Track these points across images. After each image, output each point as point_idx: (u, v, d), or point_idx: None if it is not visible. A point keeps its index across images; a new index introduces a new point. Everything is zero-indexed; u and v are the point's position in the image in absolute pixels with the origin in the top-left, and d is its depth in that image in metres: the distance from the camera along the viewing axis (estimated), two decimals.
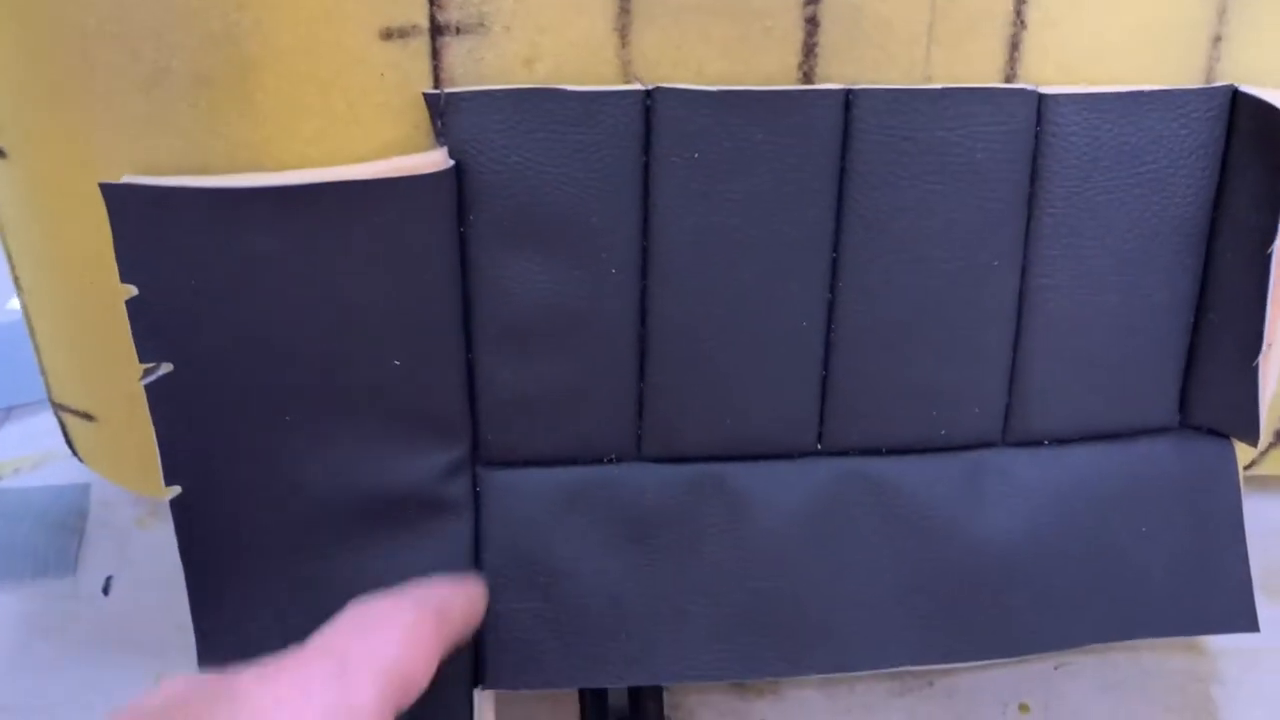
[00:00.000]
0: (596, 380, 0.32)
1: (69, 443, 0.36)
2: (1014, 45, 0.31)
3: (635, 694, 0.37)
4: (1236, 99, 0.31)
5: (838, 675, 0.37)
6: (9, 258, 0.35)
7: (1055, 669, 0.38)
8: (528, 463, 0.33)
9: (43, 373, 0.36)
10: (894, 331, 0.32)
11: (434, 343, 0.31)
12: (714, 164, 0.30)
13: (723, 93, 0.29)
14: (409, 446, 0.32)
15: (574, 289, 0.31)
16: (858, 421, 0.34)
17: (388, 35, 0.29)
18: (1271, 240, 0.31)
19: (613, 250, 0.31)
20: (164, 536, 0.32)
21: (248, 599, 0.32)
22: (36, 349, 0.35)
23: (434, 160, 0.29)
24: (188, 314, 0.29)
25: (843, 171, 0.30)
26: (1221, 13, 0.31)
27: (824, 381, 0.33)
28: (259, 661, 0.25)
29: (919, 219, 0.31)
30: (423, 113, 0.29)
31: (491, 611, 0.33)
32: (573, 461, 0.33)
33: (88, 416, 0.35)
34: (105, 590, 0.40)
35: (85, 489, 0.43)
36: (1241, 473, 0.36)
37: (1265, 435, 0.36)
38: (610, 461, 0.33)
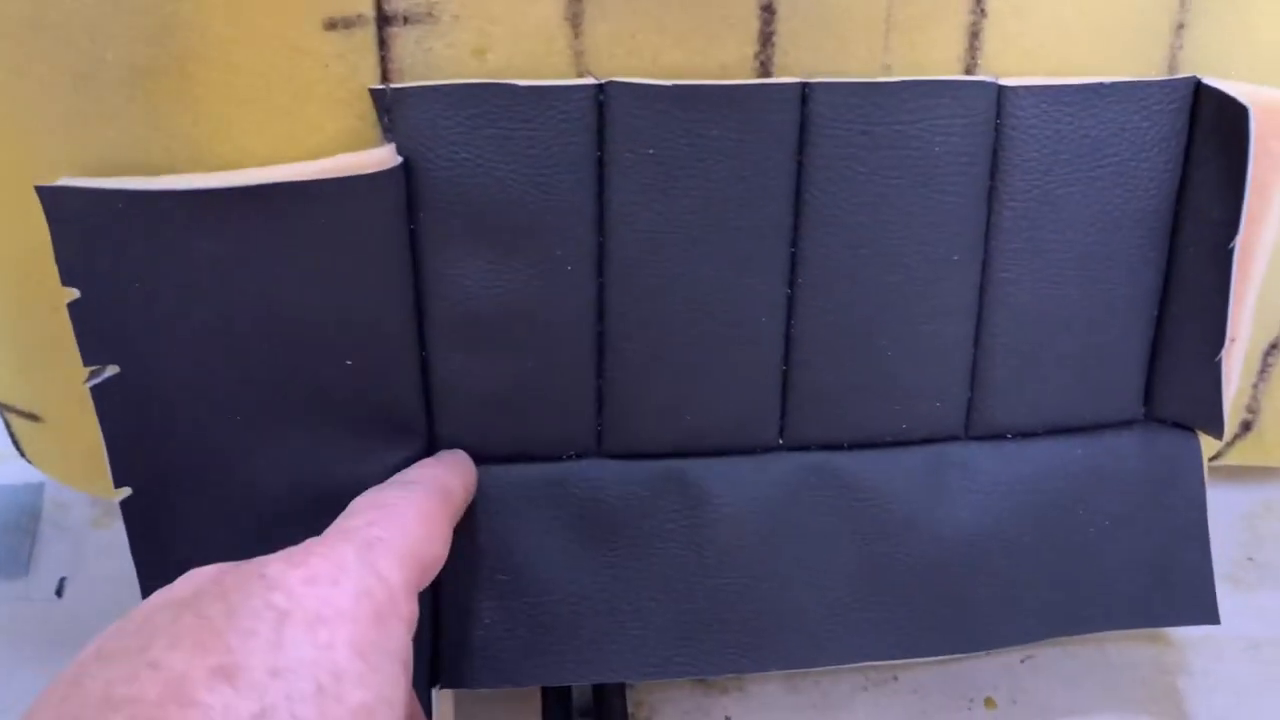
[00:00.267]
0: (554, 377, 0.32)
1: (16, 444, 0.36)
2: (974, 33, 0.30)
3: (598, 691, 0.36)
4: (1199, 91, 0.31)
5: (801, 670, 0.37)
6: None
7: (1021, 662, 0.38)
8: (485, 460, 0.33)
9: None
10: (854, 326, 0.32)
11: (386, 342, 0.30)
12: (669, 159, 0.29)
13: (677, 87, 0.29)
14: (363, 446, 0.31)
15: (528, 286, 0.30)
16: (819, 416, 0.33)
17: (332, 25, 0.28)
18: (1234, 234, 0.31)
19: (567, 247, 0.30)
20: (120, 536, 0.31)
21: None
22: None
23: (382, 157, 0.28)
24: (132, 316, 0.29)
25: (800, 166, 0.30)
26: (1183, 0, 0.30)
27: (784, 376, 0.33)
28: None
29: (878, 213, 0.30)
30: (370, 106, 0.29)
31: (449, 610, 0.33)
32: (531, 458, 0.33)
33: (34, 417, 0.34)
34: (59, 592, 0.40)
35: (38, 489, 0.42)
36: (1207, 463, 0.36)
37: (1230, 427, 0.36)
38: (570, 458, 0.33)
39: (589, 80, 0.29)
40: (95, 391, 0.29)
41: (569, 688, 0.36)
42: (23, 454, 0.36)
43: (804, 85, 0.29)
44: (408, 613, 0.25)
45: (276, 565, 0.24)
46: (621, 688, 0.36)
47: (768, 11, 0.29)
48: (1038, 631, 0.35)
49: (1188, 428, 0.35)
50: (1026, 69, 0.30)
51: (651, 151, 0.29)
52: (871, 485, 0.34)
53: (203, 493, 0.31)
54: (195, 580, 0.25)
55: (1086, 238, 0.32)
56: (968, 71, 0.30)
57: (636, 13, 0.29)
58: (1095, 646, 0.38)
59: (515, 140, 0.29)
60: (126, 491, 0.31)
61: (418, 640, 0.32)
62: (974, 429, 0.34)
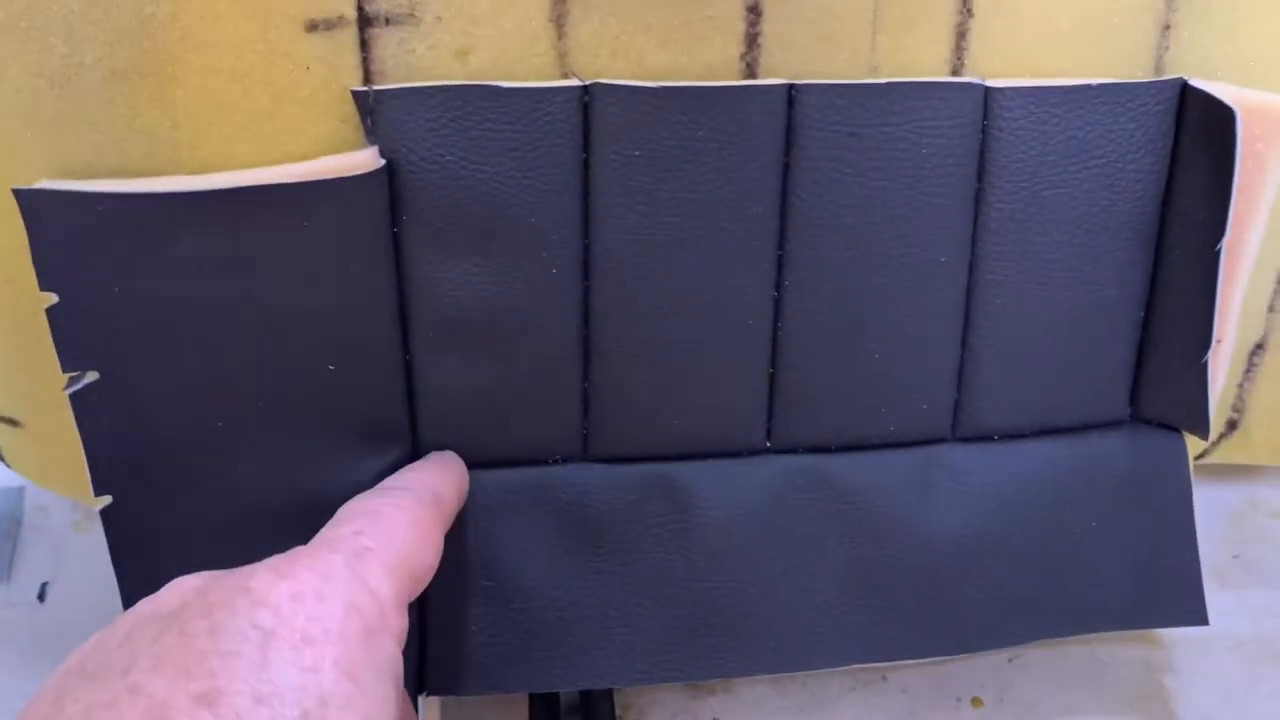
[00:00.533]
0: (539, 381, 0.31)
1: None
2: (961, 34, 0.30)
3: (586, 694, 0.36)
4: (1185, 93, 0.31)
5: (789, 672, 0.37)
6: None
7: (1008, 662, 0.38)
8: (470, 465, 0.32)
9: None
10: (842, 328, 0.32)
11: (369, 345, 0.30)
12: (655, 161, 0.29)
13: (663, 89, 0.28)
14: (347, 450, 0.31)
15: (513, 289, 0.30)
16: (806, 419, 0.33)
17: (313, 27, 0.28)
18: (1220, 236, 0.31)
19: (552, 250, 0.30)
20: (102, 541, 0.31)
21: None
22: None
23: (365, 160, 0.28)
24: (111, 321, 0.28)
25: (787, 167, 0.30)
26: (1170, 0, 0.30)
27: (772, 379, 0.32)
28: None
29: (865, 215, 0.30)
30: (351, 108, 0.28)
31: (435, 616, 0.32)
32: (517, 463, 0.33)
33: (13, 422, 0.34)
34: (41, 597, 0.39)
35: (19, 492, 0.42)
36: (1193, 462, 0.36)
37: (1216, 426, 0.36)
38: (556, 462, 0.33)
39: (573, 82, 0.29)
40: (74, 398, 0.29)
41: (556, 692, 0.36)
42: (2, 459, 0.35)
43: (790, 87, 0.29)
44: (397, 626, 0.25)
45: (263, 577, 0.23)
46: (609, 691, 0.36)
47: (754, 13, 0.29)
48: (1026, 633, 0.35)
49: (1174, 428, 0.35)
50: (1013, 70, 0.30)
51: (637, 153, 0.29)
52: (859, 487, 0.34)
53: (184, 500, 0.31)
54: (180, 591, 0.24)
55: (1073, 239, 0.32)
56: (954, 73, 0.30)
57: (621, 14, 0.28)
58: (1082, 645, 0.39)
59: (499, 142, 0.28)
60: (107, 499, 0.30)
61: (405, 647, 0.32)
62: (961, 430, 0.34)
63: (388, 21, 0.28)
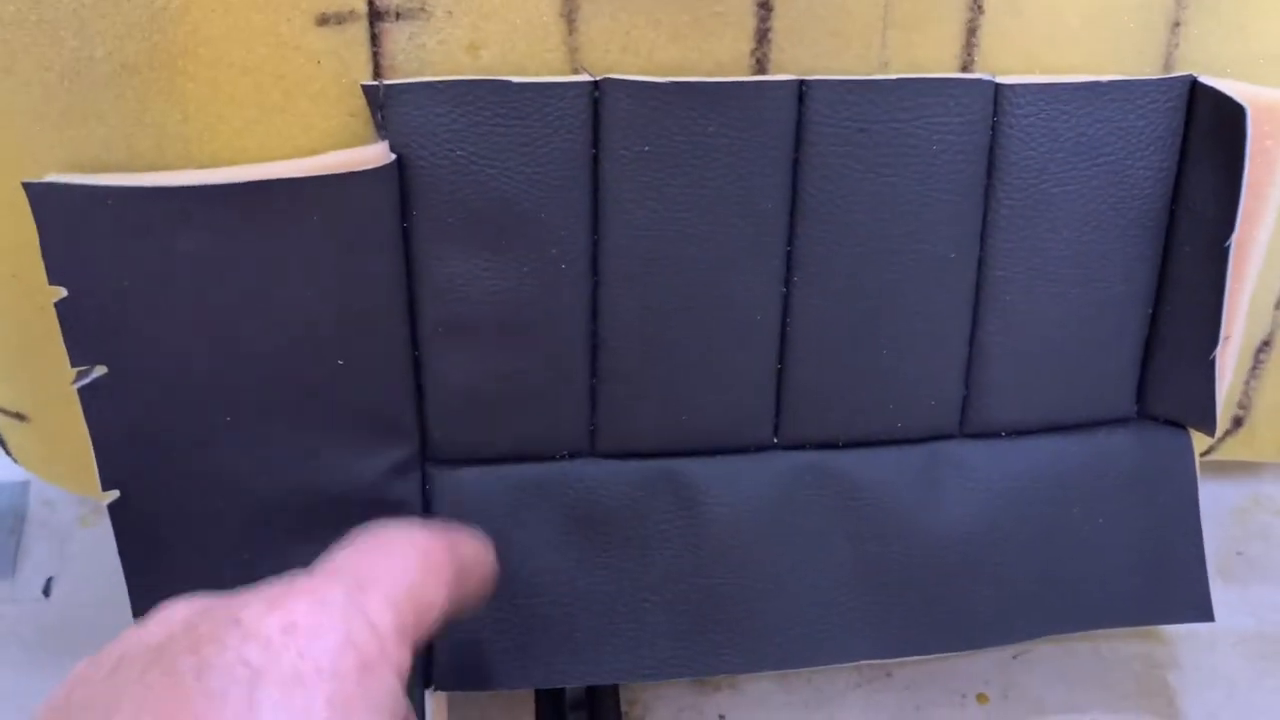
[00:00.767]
0: (547, 376, 0.31)
1: (2, 444, 0.35)
2: (971, 31, 0.30)
3: (591, 689, 0.36)
4: (1195, 90, 0.31)
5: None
6: None
7: (1013, 658, 0.38)
8: (478, 461, 0.32)
9: None
10: (850, 324, 0.32)
11: (378, 341, 0.30)
12: (665, 156, 0.29)
13: (673, 84, 0.28)
14: (355, 446, 0.31)
15: (522, 284, 0.30)
16: (814, 415, 0.33)
17: (324, 21, 0.28)
18: (1229, 233, 0.31)
19: (562, 245, 0.30)
20: (108, 535, 0.31)
21: None
22: None
23: (375, 155, 0.28)
24: (120, 315, 0.28)
25: (797, 163, 0.30)
26: None
27: (780, 375, 0.32)
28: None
29: (874, 211, 0.30)
30: (362, 102, 0.28)
31: None
32: (524, 458, 0.33)
33: (20, 417, 0.34)
34: (46, 592, 0.39)
35: (24, 487, 0.42)
36: (1198, 458, 0.36)
37: (1221, 423, 0.36)
38: (563, 458, 0.33)
39: (584, 77, 0.29)
40: (83, 392, 0.29)
41: (563, 687, 0.36)
42: (9, 454, 0.35)
43: (801, 83, 0.29)
44: (399, 659, 0.23)
45: (254, 609, 0.22)
46: (615, 687, 0.36)
47: (764, 8, 0.29)
48: (1032, 629, 0.35)
49: (1180, 425, 0.35)
50: (1023, 67, 0.30)
51: (647, 149, 0.29)
52: (866, 483, 0.34)
53: (192, 495, 0.31)
54: (169, 621, 0.23)
55: (1082, 236, 0.32)
56: (964, 69, 0.30)
57: (632, 9, 0.28)
58: (1087, 642, 0.39)
59: (510, 137, 0.28)
60: (115, 494, 0.30)
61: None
62: (968, 427, 0.34)
63: (398, 15, 0.28)
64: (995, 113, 0.30)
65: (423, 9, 0.28)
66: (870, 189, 0.30)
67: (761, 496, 0.33)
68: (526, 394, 0.32)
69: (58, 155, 0.28)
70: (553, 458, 0.33)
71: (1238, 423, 0.37)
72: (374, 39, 0.28)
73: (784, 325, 0.32)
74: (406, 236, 0.29)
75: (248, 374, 0.29)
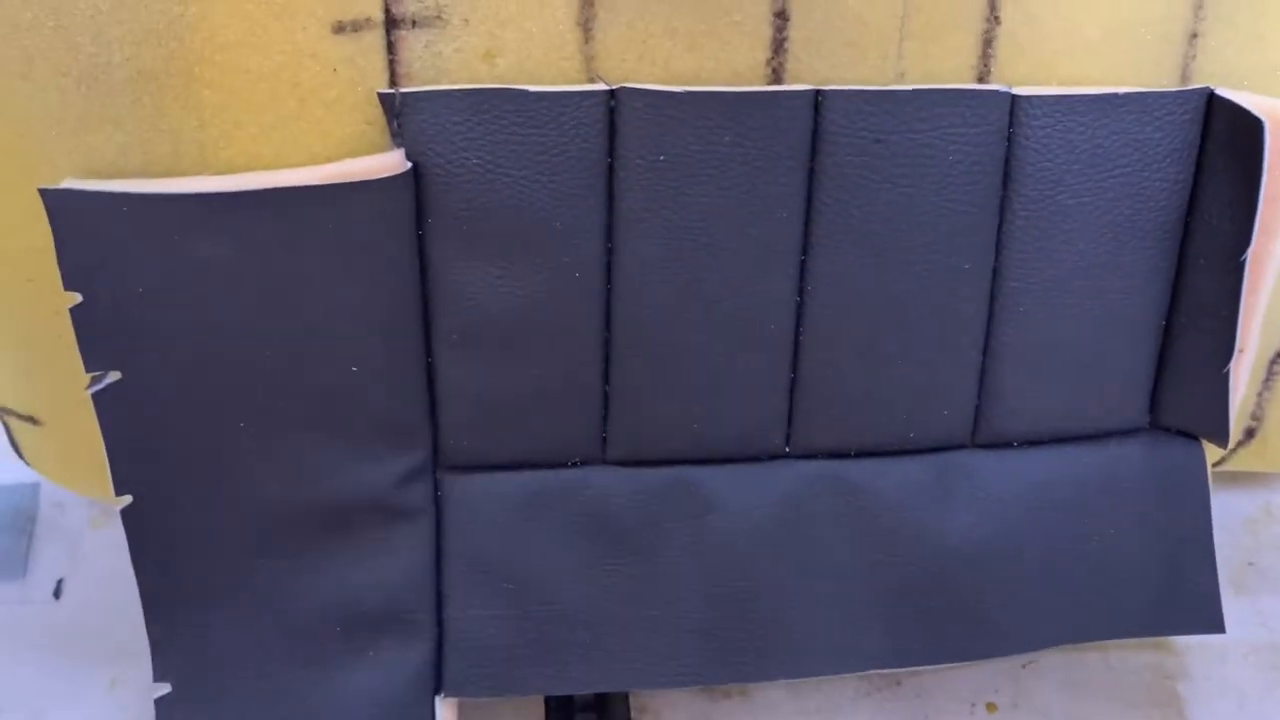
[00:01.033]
0: (560, 384, 0.31)
1: (15, 447, 0.35)
2: (988, 41, 0.30)
3: (601, 696, 0.36)
4: (1212, 102, 0.31)
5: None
6: None
7: (1023, 667, 0.38)
8: (490, 467, 0.32)
9: None
10: (864, 334, 0.32)
11: (392, 348, 0.30)
12: (680, 166, 0.29)
13: (689, 93, 0.28)
14: (368, 453, 0.31)
15: (536, 292, 0.30)
16: (827, 424, 0.33)
17: (340, 29, 0.28)
18: (1245, 246, 0.30)
19: (576, 254, 0.30)
20: (118, 537, 0.31)
21: (203, 609, 0.31)
22: None
23: (391, 163, 0.28)
24: (135, 321, 0.28)
25: (812, 173, 0.30)
26: (1197, 9, 0.30)
27: (793, 384, 0.32)
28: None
29: (889, 221, 0.30)
30: (377, 110, 0.28)
31: (453, 618, 0.32)
32: (536, 466, 0.33)
33: (33, 420, 0.34)
34: (57, 594, 0.39)
35: (35, 489, 0.42)
36: (1210, 468, 0.36)
37: (1234, 434, 0.36)
38: (575, 465, 0.33)
39: (600, 86, 0.29)
40: (97, 398, 0.29)
41: (572, 694, 0.36)
42: (22, 457, 0.35)
43: (817, 93, 0.29)
44: None
45: None
46: (625, 694, 0.36)
47: (781, 18, 0.29)
48: (1043, 640, 0.35)
49: (1192, 436, 0.35)
50: (1039, 78, 0.30)
51: (662, 158, 0.29)
52: (878, 493, 0.34)
53: (205, 500, 0.31)
54: None
55: (1097, 248, 0.32)
56: (980, 80, 0.30)
57: (647, 17, 0.28)
58: (1097, 652, 0.39)
59: (525, 146, 0.28)
60: (127, 499, 0.30)
61: (423, 648, 0.32)
62: (981, 437, 0.34)
63: (414, 23, 0.28)
64: (1011, 124, 0.30)
65: (439, 17, 0.28)
66: (886, 199, 0.30)
67: (773, 505, 0.33)
68: (539, 401, 0.32)
69: (74, 161, 0.28)
70: (564, 465, 0.33)
71: (1250, 434, 0.37)
72: (390, 47, 0.28)
73: (797, 334, 0.32)
74: (421, 244, 0.29)
75: (261, 380, 0.29)
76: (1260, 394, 0.37)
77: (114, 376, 0.29)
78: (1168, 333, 0.34)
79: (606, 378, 0.32)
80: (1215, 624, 0.35)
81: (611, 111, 0.29)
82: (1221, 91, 0.30)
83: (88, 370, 0.29)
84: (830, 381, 0.32)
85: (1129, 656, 0.39)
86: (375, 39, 0.28)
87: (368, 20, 0.28)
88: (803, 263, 0.31)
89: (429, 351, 0.31)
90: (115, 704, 0.36)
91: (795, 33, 0.29)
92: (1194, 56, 0.31)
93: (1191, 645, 0.39)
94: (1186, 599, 0.35)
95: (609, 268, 0.30)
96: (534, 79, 0.28)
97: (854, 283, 0.31)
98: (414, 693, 0.32)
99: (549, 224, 0.29)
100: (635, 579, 0.33)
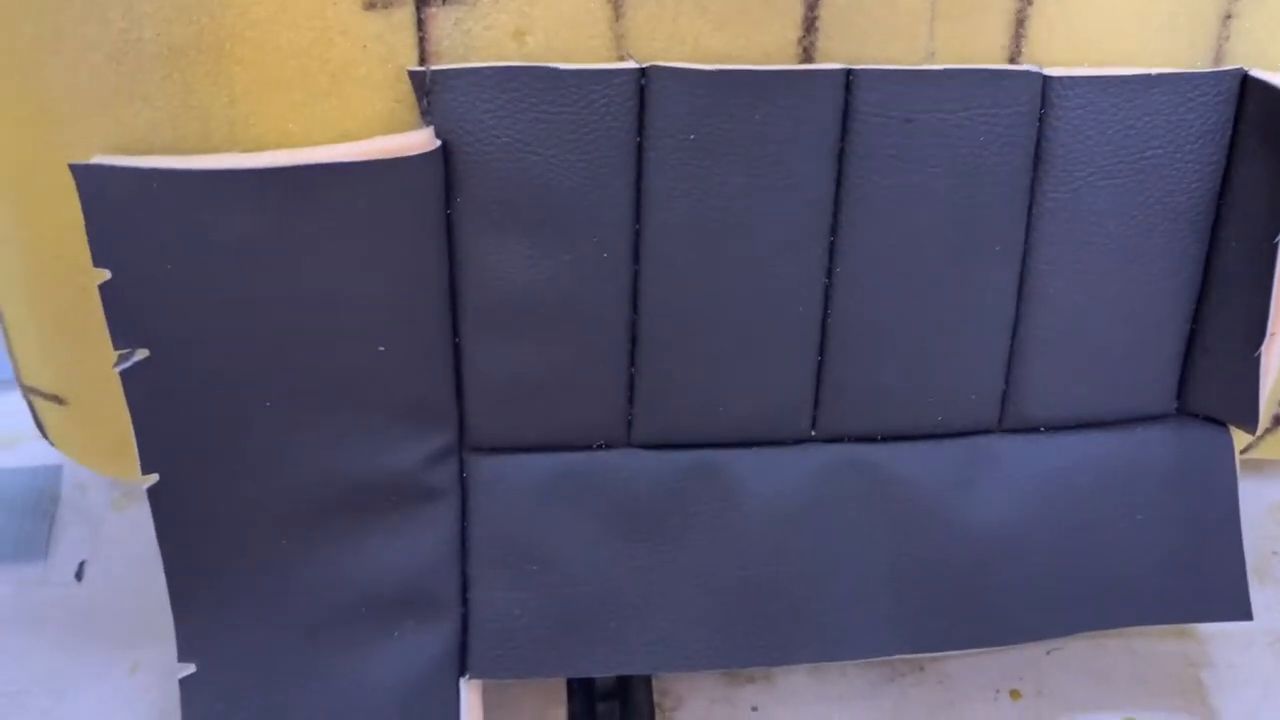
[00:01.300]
0: (586, 366, 0.31)
1: (39, 426, 0.35)
2: (1019, 21, 0.30)
3: (624, 679, 0.36)
4: (1245, 83, 0.30)
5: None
6: None
7: (1046, 654, 0.38)
8: (516, 449, 0.32)
9: (11, 355, 0.35)
10: (892, 316, 0.32)
11: (420, 328, 0.30)
12: (710, 145, 0.29)
13: (720, 72, 0.28)
14: (394, 433, 0.31)
15: (564, 273, 0.30)
16: (853, 408, 0.33)
17: (370, 6, 0.27)
18: (1277, 228, 0.30)
19: (604, 233, 0.30)
20: (140, 519, 0.31)
21: (229, 589, 0.31)
22: (5, 330, 0.34)
23: (421, 141, 0.28)
24: (163, 298, 0.28)
25: (842, 153, 0.30)
26: None
27: (819, 367, 0.32)
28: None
29: (919, 202, 0.30)
30: (407, 88, 0.28)
31: (478, 600, 0.32)
32: (562, 448, 0.32)
33: (59, 400, 0.34)
34: (79, 575, 0.39)
35: (57, 471, 0.42)
36: (1237, 456, 0.36)
37: (1262, 421, 0.36)
38: (600, 448, 0.33)
39: (630, 64, 0.28)
40: (125, 375, 0.29)
41: (594, 677, 0.36)
42: (46, 437, 0.35)
43: (848, 72, 0.29)
44: None
45: None
46: (647, 678, 0.36)
47: None
48: (1068, 626, 0.35)
49: (1220, 422, 0.35)
50: (1071, 59, 0.30)
51: (692, 137, 0.29)
52: (904, 478, 0.33)
53: (231, 479, 0.31)
54: None
55: (1127, 230, 0.31)
56: (1012, 60, 0.30)
57: None
58: (1121, 639, 0.38)
59: (555, 124, 0.28)
60: (154, 478, 0.30)
61: (446, 631, 0.32)
62: (1008, 422, 0.34)
63: (444, 1, 0.28)
64: (1043, 105, 0.30)
65: None
66: (916, 180, 0.30)
67: (797, 489, 0.33)
68: (565, 383, 0.31)
69: (104, 137, 0.28)
70: (590, 447, 0.33)
71: (1278, 420, 0.37)
72: (420, 24, 0.28)
73: (825, 317, 0.32)
74: (449, 223, 0.29)
75: (288, 359, 0.29)
76: None
77: (142, 354, 0.29)
78: (1197, 317, 0.33)
79: (633, 360, 0.32)
80: (1242, 611, 0.35)
81: (641, 90, 0.28)
82: (1255, 73, 0.30)
83: (116, 348, 0.29)
84: (857, 364, 0.32)
85: (1153, 644, 0.38)
86: (405, 16, 0.28)
87: None
88: (831, 244, 0.31)
89: (456, 331, 0.31)
90: (136, 686, 0.36)
91: (826, 12, 0.29)
92: (1227, 38, 0.30)
93: (1215, 633, 0.39)
94: (1212, 586, 0.35)
95: (637, 248, 0.30)
96: (563, 57, 0.28)
97: (882, 264, 0.31)
98: (439, 674, 0.32)
99: (577, 203, 0.29)
100: (659, 562, 0.33)
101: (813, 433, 0.33)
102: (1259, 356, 0.32)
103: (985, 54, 0.30)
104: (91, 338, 0.30)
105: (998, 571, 0.34)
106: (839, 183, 0.30)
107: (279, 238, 0.28)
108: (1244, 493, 0.36)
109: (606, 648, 0.33)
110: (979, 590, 0.34)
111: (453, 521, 0.32)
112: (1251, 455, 0.38)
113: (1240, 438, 0.36)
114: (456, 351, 0.31)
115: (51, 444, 0.35)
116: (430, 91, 0.28)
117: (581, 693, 0.36)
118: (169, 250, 0.28)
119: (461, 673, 0.33)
